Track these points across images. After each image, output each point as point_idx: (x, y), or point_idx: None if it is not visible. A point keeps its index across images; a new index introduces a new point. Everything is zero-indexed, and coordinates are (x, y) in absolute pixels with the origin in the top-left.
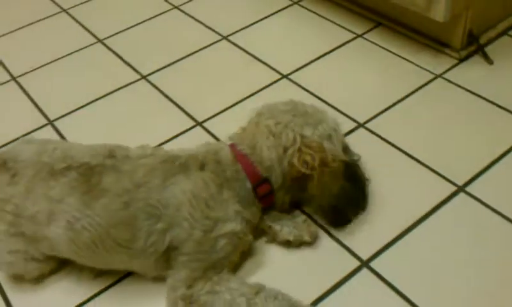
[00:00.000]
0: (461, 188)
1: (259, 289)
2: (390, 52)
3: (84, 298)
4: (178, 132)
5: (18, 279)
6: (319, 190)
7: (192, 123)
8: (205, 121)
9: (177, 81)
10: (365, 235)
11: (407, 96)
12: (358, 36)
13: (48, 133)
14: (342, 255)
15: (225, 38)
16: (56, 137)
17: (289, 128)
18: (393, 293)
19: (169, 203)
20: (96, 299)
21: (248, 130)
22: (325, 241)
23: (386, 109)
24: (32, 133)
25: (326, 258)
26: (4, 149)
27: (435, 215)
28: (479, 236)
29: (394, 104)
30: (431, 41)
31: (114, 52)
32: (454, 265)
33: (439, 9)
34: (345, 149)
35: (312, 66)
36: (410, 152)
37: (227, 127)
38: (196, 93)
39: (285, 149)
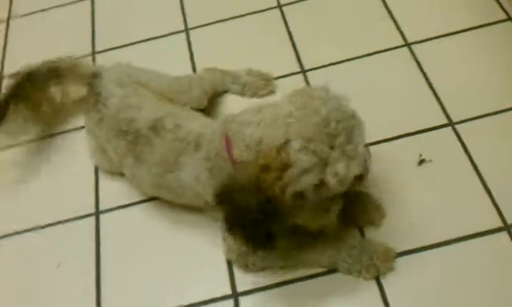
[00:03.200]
0: (507, 228)
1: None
2: None
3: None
4: (283, 74)
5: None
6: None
7: (298, 69)
8: (309, 70)
9: (304, 18)
10: (388, 234)
11: None
12: (510, 18)
13: None
14: None
15: None
16: None
17: (294, 125)
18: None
19: (185, 180)
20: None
21: (263, 107)
22: None
23: (486, 115)
24: None
25: None
26: (102, 75)
27: (467, 243)
28: (499, 284)
29: (498, 112)
30: None
31: None
32: (455, 298)
33: None
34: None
35: (441, 41)
36: (481, 170)
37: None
38: (315, 37)
39: (268, 138)
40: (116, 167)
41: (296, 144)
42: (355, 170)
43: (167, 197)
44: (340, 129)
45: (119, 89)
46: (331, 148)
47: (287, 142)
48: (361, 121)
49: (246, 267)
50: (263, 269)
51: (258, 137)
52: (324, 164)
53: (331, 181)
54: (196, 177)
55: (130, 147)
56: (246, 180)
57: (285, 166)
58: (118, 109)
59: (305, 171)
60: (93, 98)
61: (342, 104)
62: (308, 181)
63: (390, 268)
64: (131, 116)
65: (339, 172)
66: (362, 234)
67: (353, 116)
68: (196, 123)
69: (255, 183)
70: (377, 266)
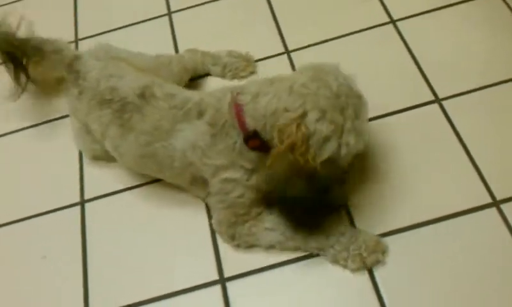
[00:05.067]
0: (496, 203)
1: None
2: None
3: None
4: (266, 55)
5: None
6: (269, 168)
7: (282, 50)
8: (294, 50)
9: None
10: (379, 214)
11: (506, 81)
12: None
13: None
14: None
15: None
16: None
17: (309, 97)
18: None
19: (177, 148)
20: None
21: (275, 79)
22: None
23: (473, 90)
24: None
25: None
26: (83, 56)
27: (456, 220)
28: (488, 259)
29: (485, 87)
30: None
31: None
32: (446, 276)
33: None
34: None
35: (426, 17)
36: (468, 146)
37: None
38: (300, 16)
39: (285, 110)
40: (99, 146)
41: (312, 116)
42: (361, 144)
43: (149, 170)
44: (349, 103)
45: (97, 63)
46: (344, 118)
47: (303, 114)
48: (366, 101)
49: (232, 238)
50: (249, 245)
51: (273, 108)
52: (340, 131)
53: (343, 150)
54: (194, 144)
55: (116, 115)
56: (285, 168)
57: (307, 138)
58: (97, 80)
59: (326, 139)
60: (73, 75)
61: (350, 82)
62: (331, 147)
63: (378, 261)
64: (113, 85)
65: (350, 142)
66: (352, 223)
67: (359, 94)
68: (190, 92)
69: (293, 165)
70: (363, 257)
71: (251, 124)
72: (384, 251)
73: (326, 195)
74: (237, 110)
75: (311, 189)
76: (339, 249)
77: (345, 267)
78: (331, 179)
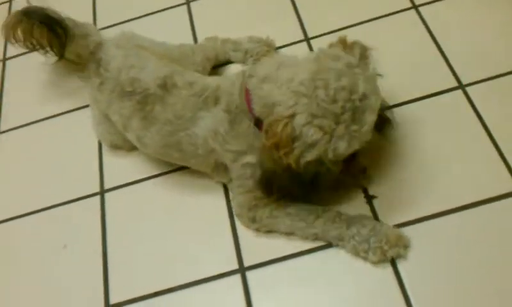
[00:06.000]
0: None
1: (318, 214)
2: None
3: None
4: (286, 42)
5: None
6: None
7: (301, 37)
8: (314, 37)
9: None
10: (402, 202)
11: None
12: None
13: None
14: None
15: None
16: None
17: (302, 98)
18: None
19: (199, 136)
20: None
21: (283, 62)
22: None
23: (499, 76)
24: None
25: None
26: (105, 43)
27: (482, 208)
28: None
29: (510, 73)
30: None
31: None
32: (472, 266)
33: None
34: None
35: (449, 1)
36: (493, 134)
37: None
38: (319, 3)
39: (278, 104)
40: (119, 135)
41: (301, 119)
42: (354, 147)
43: (174, 159)
44: (346, 108)
45: (119, 51)
46: (337, 123)
47: (293, 115)
48: (375, 101)
49: (252, 221)
50: (268, 230)
51: (271, 101)
52: (329, 137)
53: (330, 155)
54: (215, 131)
55: (137, 107)
56: (271, 163)
57: (292, 140)
58: (119, 70)
59: (311, 144)
60: (95, 64)
61: (356, 82)
62: (315, 152)
63: (399, 255)
64: (134, 76)
65: (339, 148)
66: (374, 212)
67: (365, 96)
68: (210, 79)
69: (278, 162)
70: (384, 249)
71: (256, 110)
72: (406, 246)
73: (315, 185)
74: (246, 95)
75: (297, 182)
76: (359, 240)
77: (365, 259)
78: (319, 174)
